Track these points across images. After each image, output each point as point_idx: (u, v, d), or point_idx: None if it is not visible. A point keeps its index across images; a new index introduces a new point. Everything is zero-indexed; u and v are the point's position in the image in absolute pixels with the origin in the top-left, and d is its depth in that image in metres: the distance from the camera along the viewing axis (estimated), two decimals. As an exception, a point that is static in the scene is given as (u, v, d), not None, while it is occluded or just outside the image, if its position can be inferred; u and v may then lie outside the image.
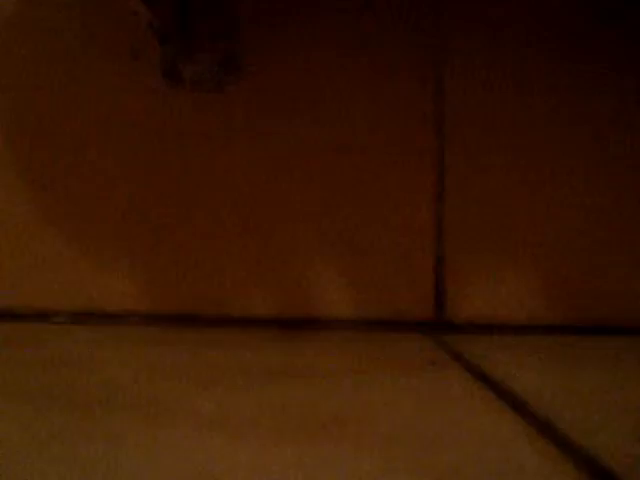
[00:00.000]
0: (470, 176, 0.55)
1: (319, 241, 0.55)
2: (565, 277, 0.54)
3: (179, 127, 0.55)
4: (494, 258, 0.54)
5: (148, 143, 0.55)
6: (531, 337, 0.53)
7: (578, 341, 0.52)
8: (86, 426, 0.28)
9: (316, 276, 0.55)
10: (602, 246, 0.55)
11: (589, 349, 0.49)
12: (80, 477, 0.22)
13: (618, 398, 0.35)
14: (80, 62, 0.55)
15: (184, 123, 0.55)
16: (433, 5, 0.55)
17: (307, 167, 0.55)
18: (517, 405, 0.32)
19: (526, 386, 0.36)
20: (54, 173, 0.55)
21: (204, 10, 0.52)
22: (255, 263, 0.55)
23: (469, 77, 0.55)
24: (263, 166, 0.55)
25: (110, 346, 0.47)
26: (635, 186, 0.55)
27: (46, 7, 0.55)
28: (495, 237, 0.55)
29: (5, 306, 0.54)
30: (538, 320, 0.54)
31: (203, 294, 0.55)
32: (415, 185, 0.55)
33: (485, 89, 0.55)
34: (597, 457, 0.25)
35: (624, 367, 0.43)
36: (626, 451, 0.26)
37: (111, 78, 0.55)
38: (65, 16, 0.55)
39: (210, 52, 0.52)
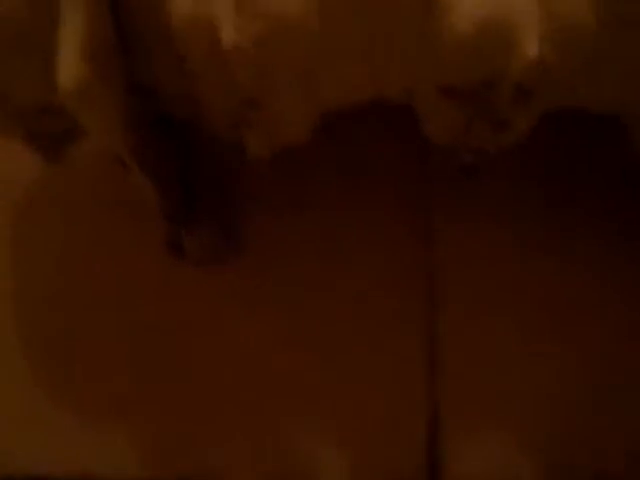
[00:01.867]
0: (461, 341, 0.56)
1: (313, 409, 0.55)
2: (553, 440, 0.54)
3: (182, 292, 0.57)
4: (485, 421, 0.55)
5: (151, 306, 0.57)
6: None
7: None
8: None
9: (309, 442, 0.55)
10: (592, 411, 0.55)
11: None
12: None
13: None
14: (89, 228, 0.58)
15: (187, 289, 0.57)
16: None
17: (302, 337, 0.56)
18: None
19: None
20: (56, 335, 0.56)
21: (206, 188, 0.55)
22: (251, 431, 0.55)
23: (458, 232, 0.57)
24: (259, 334, 0.56)
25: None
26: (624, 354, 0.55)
27: (59, 175, 0.58)
28: (486, 402, 0.55)
29: None
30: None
31: (200, 463, 0.54)
32: (407, 353, 0.55)
33: (474, 243, 0.57)
34: None
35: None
36: None
37: (118, 243, 0.57)
38: (76, 184, 0.58)
39: (211, 228, 0.55)
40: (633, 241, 0.56)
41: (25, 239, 0.58)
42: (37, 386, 0.55)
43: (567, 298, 0.56)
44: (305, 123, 0.45)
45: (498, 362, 0.55)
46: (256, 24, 0.36)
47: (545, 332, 0.55)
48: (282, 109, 0.43)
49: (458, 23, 0.39)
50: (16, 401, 0.55)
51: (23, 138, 0.47)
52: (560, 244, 0.57)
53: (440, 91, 0.44)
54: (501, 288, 0.56)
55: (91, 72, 0.36)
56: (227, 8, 0.35)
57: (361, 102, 0.47)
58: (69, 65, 0.36)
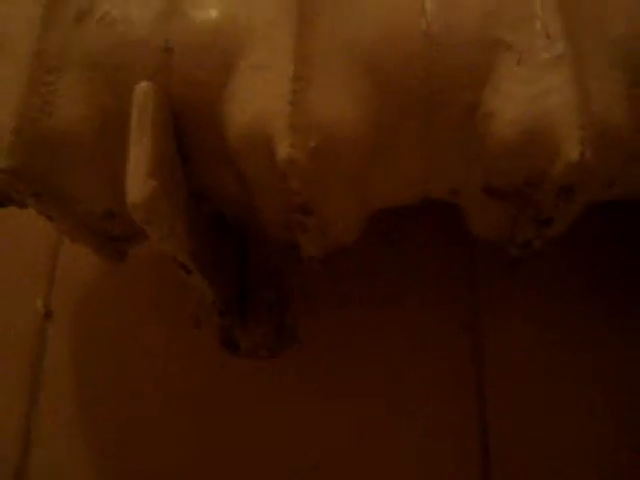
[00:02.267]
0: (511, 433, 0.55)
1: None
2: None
3: (236, 387, 0.58)
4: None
5: (205, 401, 0.58)
6: None
7: None
8: None
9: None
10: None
11: None
12: None
13: None
14: (145, 330, 0.60)
15: (239, 385, 0.58)
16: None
17: (349, 437, 0.56)
18: None
19: None
20: (113, 430, 0.57)
21: (260, 285, 0.57)
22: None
23: (505, 324, 0.58)
24: (309, 428, 0.56)
25: None
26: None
27: (115, 280, 0.61)
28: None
29: None
30: None
31: None
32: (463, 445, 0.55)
33: (521, 337, 0.57)
34: None
35: None
36: None
37: (173, 344, 0.59)
38: (133, 288, 0.60)
39: (265, 323, 0.57)
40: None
41: (83, 336, 0.60)
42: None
43: (619, 396, 0.56)
44: (355, 224, 0.47)
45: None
46: (311, 140, 0.38)
47: (598, 426, 0.55)
48: (334, 212, 0.45)
49: (500, 130, 0.41)
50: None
51: (87, 240, 0.50)
52: (612, 336, 0.57)
53: (484, 191, 0.45)
54: (551, 381, 0.56)
55: (157, 186, 0.39)
56: (282, 127, 0.38)
57: (408, 202, 0.49)
58: (137, 181, 0.38)
